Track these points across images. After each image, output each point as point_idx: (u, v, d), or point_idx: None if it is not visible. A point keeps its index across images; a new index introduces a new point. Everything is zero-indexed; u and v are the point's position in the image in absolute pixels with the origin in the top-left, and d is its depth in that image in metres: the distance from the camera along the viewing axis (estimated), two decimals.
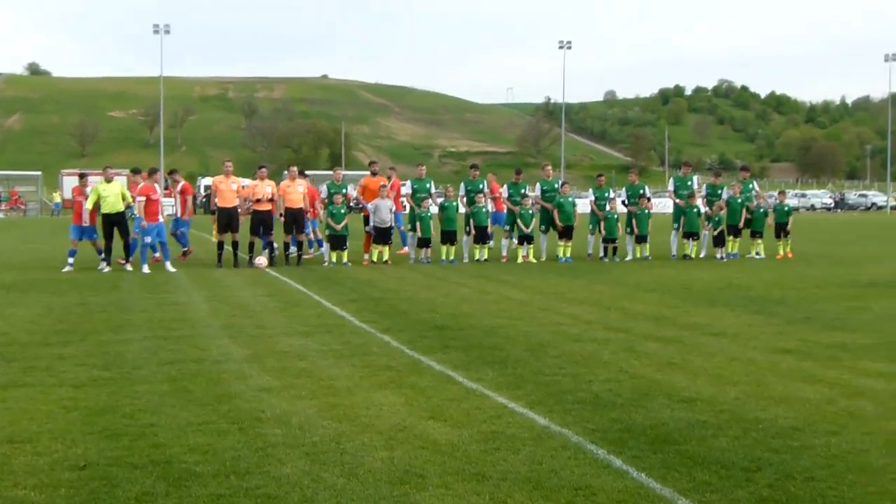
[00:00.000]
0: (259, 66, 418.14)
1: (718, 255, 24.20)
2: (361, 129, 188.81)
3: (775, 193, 26.36)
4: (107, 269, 20.41)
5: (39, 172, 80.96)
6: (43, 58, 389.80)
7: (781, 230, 25.14)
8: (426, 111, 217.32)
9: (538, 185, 24.93)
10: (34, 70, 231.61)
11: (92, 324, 12.71)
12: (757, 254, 24.70)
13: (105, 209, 20.85)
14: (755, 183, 26.84)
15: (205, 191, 79.11)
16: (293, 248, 22.49)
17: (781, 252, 24.76)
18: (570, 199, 24.16)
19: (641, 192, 24.88)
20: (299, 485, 5.91)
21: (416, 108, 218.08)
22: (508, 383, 8.84)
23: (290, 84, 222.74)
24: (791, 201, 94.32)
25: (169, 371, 9.38)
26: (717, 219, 24.31)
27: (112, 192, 20.97)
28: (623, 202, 25.17)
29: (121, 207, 21.04)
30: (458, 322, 12.78)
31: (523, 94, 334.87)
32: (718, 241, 24.38)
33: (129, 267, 20.54)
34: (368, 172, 24.27)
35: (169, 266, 20.61)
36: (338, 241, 22.19)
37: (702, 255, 24.20)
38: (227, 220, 21.73)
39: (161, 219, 21.10)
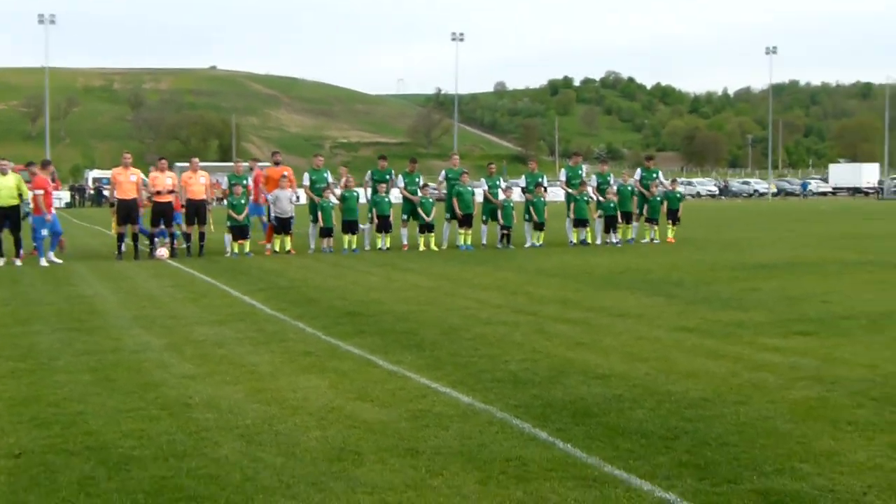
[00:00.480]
0: (146, 58, 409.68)
1: (614, 240, 24.84)
2: (251, 120, 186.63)
3: (667, 181, 27.16)
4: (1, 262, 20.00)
5: None
6: None
7: (673, 216, 25.95)
8: (316, 102, 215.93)
9: (444, 172, 25.18)
10: None
11: None
12: (653, 239, 25.46)
13: None
14: (660, 172, 27.64)
15: (93, 183, 77.58)
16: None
17: (671, 236, 25.62)
18: (470, 189, 24.51)
19: (539, 180, 25.39)
20: (239, 465, 6.05)
21: (306, 100, 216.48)
22: (428, 365, 9.08)
23: (178, 75, 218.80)
24: (679, 189, 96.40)
25: (87, 361, 9.37)
26: (611, 205, 24.94)
27: (6, 185, 20.47)
28: (522, 189, 25.66)
29: (15, 201, 20.56)
30: (370, 308, 12.97)
31: (414, 86, 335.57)
32: (609, 227, 25.03)
33: (18, 262, 20.04)
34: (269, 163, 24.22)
35: (43, 261, 20.23)
36: (239, 232, 22.13)
37: (597, 242, 24.79)
38: (127, 211, 21.49)
39: (53, 211, 20.79)
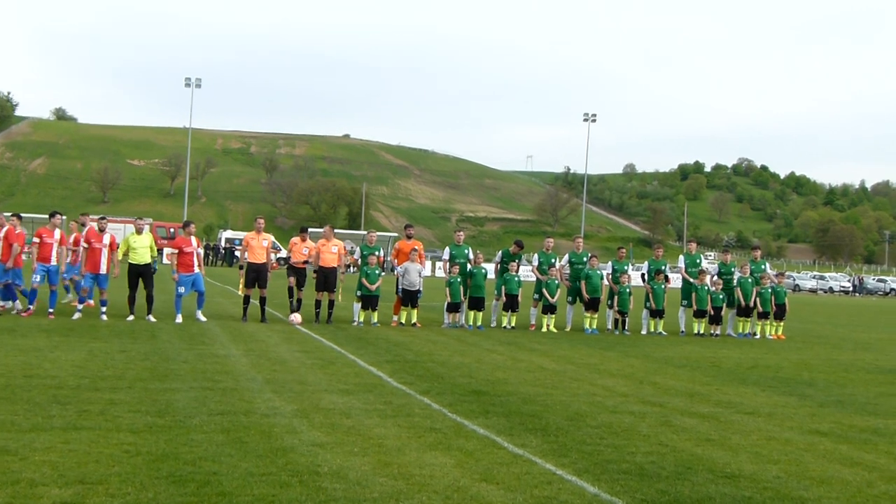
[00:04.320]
0: (282, 123, 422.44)
1: (714, 333, 24.44)
2: (380, 189, 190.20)
3: (774, 275, 26.58)
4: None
5: (64, 216, 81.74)
6: (70, 104, 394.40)
7: (780, 311, 25.37)
8: (446, 175, 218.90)
9: (567, 255, 25.25)
10: (60, 115, 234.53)
11: (136, 371, 12.99)
12: (753, 333, 24.97)
13: (134, 259, 21.18)
14: (767, 264, 27.16)
15: (226, 243, 79.93)
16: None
17: (780, 332, 25.12)
18: (598, 272, 24.47)
19: (662, 267, 25.20)
20: None
21: (435, 172, 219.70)
22: (553, 450, 9.06)
23: (312, 142, 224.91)
24: (809, 283, 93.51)
25: (221, 422, 9.63)
26: (720, 297, 24.57)
27: (142, 244, 21.31)
28: (642, 276, 25.52)
29: (148, 259, 21.38)
30: (495, 388, 13.01)
31: (542, 163, 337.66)
32: (715, 319, 24.60)
33: (151, 319, 20.69)
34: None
35: (179, 318, 20.95)
36: (369, 301, 22.54)
37: (716, 334, 24.40)
38: (256, 275, 22.14)
39: (196, 269, 21.45)
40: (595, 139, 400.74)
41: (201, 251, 22.15)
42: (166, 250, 20.20)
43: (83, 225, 22.33)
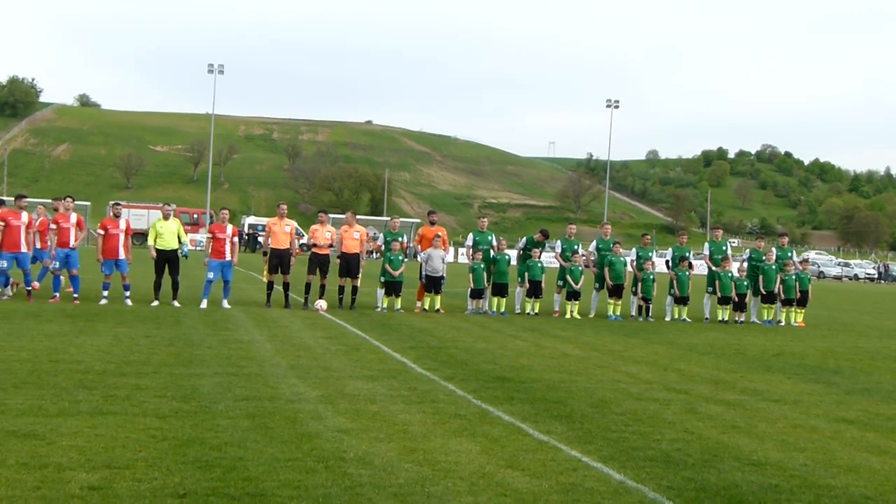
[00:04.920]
0: (304, 109, 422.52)
1: (738, 319, 24.33)
2: (403, 175, 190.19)
3: (798, 261, 26.36)
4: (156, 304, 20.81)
5: (88, 203, 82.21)
6: (93, 90, 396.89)
7: (802, 298, 25.21)
8: (468, 161, 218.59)
9: (594, 241, 25.21)
10: (84, 102, 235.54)
11: (161, 356, 13.05)
12: (779, 321, 24.83)
13: (161, 245, 21.30)
14: (794, 251, 26.95)
15: (249, 229, 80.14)
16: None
17: (801, 319, 24.99)
18: (622, 259, 24.38)
19: (685, 254, 25.09)
20: None
21: (457, 158, 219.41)
22: (578, 437, 9.04)
23: (334, 128, 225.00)
24: (834, 270, 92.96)
25: (246, 407, 9.65)
26: (744, 283, 24.46)
27: (169, 229, 21.43)
28: (666, 262, 25.41)
29: (175, 244, 21.47)
30: (520, 375, 13.00)
31: (565, 150, 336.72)
32: (739, 306, 24.49)
33: (176, 304, 20.81)
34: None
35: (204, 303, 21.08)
36: (392, 287, 22.56)
37: (740, 321, 24.31)
38: (279, 261, 22.17)
39: (227, 257, 21.56)
40: (618, 125, 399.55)
41: (236, 240, 22.19)
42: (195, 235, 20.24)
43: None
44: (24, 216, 20.74)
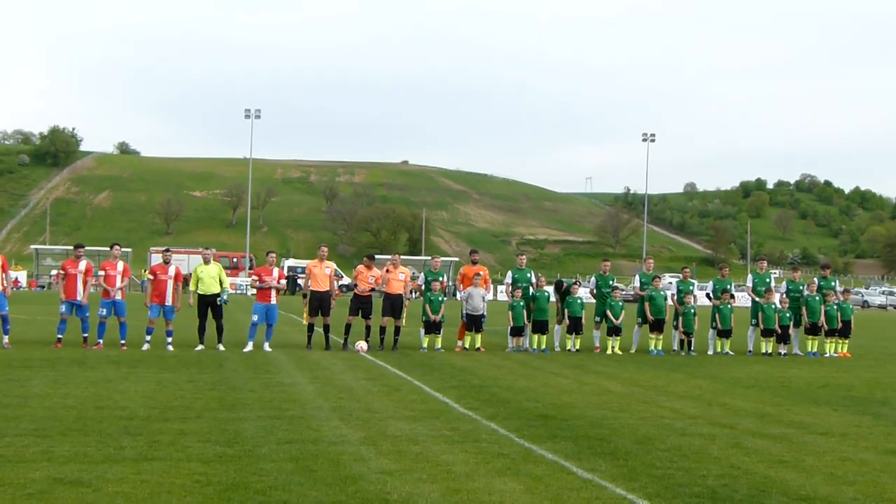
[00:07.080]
0: (341, 151, 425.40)
1: (781, 352, 24.08)
2: (440, 214, 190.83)
3: (840, 291, 26.09)
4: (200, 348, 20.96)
5: (130, 249, 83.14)
6: (132, 138, 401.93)
7: (845, 329, 24.90)
8: (505, 199, 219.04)
9: (637, 276, 25.19)
10: (123, 149, 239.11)
11: (205, 401, 13.11)
12: (822, 353, 24.55)
13: (202, 290, 21.52)
14: (836, 281, 26.78)
15: (288, 272, 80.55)
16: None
17: (845, 350, 24.71)
18: (662, 293, 24.26)
19: (727, 287, 24.94)
20: None
21: (494, 196, 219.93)
22: (623, 475, 8.96)
23: (371, 169, 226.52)
24: (878, 299, 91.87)
25: (289, 450, 9.67)
26: (786, 315, 24.23)
27: (209, 274, 21.66)
28: (707, 295, 25.26)
29: (217, 289, 21.66)
30: (562, 412, 12.93)
31: (602, 185, 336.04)
32: (783, 338, 24.25)
33: (221, 348, 20.96)
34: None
35: (249, 346, 21.16)
36: (434, 326, 22.61)
37: (784, 353, 24.08)
38: (319, 303, 22.25)
39: (273, 301, 21.73)
40: (654, 158, 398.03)
41: (283, 283, 22.36)
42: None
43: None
44: (83, 265, 21.25)
